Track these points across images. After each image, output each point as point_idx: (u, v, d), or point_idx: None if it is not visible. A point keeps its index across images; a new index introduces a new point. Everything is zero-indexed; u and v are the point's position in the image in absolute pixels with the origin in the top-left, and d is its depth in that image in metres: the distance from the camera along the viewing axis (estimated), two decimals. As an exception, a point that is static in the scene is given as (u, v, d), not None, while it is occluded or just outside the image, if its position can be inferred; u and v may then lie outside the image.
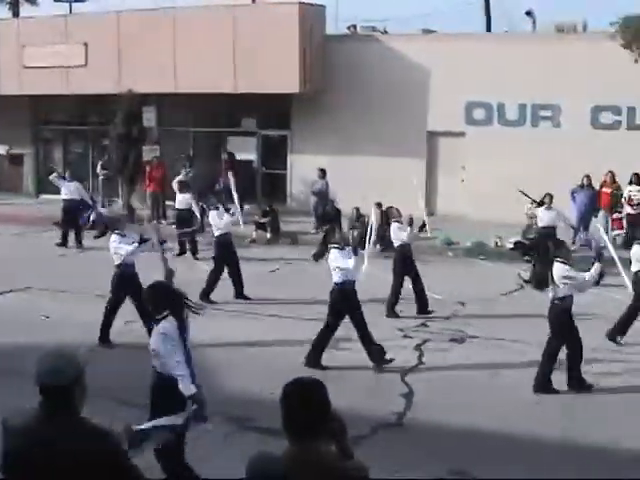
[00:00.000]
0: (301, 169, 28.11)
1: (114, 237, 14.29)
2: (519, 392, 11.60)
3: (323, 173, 25.60)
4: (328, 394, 4.39)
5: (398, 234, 16.21)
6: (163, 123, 29.39)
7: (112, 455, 4.59)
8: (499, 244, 22.29)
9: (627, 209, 21.86)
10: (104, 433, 4.65)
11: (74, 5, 42.80)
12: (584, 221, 22.64)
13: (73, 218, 23.50)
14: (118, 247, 14.07)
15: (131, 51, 27.97)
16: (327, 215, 24.23)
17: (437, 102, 26.39)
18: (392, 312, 15.84)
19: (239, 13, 26.77)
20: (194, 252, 21.56)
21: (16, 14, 42.00)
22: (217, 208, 17.73)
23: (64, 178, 24.47)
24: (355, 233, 22.68)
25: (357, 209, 23.39)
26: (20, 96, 30.36)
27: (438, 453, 9.52)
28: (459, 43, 26.42)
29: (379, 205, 21.20)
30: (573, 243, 21.91)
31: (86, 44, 29.03)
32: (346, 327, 14.84)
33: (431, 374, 12.45)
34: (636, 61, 22.50)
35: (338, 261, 12.62)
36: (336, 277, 12.71)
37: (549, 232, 19.61)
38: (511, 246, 21.88)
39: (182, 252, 21.77)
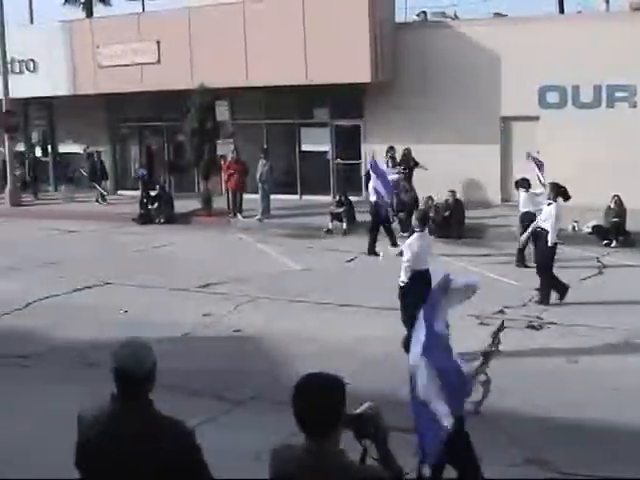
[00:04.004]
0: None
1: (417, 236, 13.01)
2: (597, 379, 11.46)
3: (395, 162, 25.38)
4: (343, 391, 4.16)
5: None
6: (236, 117, 29.53)
7: (189, 449, 4.55)
8: (577, 229, 21.95)
9: None
10: (180, 426, 4.61)
11: (146, 3, 43.62)
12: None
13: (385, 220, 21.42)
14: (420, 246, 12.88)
15: (202, 46, 28.19)
16: (403, 204, 23.98)
17: (510, 87, 26.04)
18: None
19: (309, 4, 26.76)
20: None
21: (90, 14, 42.77)
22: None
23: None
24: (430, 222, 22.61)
25: (430, 197, 23.27)
26: (96, 95, 30.85)
27: (516, 441, 9.45)
28: (531, 26, 26.05)
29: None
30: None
31: (158, 41, 29.38)
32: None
33: (508, 361, 12.34)
34: None
35: None
36: None
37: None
38: (589, 230, 21.56)
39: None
